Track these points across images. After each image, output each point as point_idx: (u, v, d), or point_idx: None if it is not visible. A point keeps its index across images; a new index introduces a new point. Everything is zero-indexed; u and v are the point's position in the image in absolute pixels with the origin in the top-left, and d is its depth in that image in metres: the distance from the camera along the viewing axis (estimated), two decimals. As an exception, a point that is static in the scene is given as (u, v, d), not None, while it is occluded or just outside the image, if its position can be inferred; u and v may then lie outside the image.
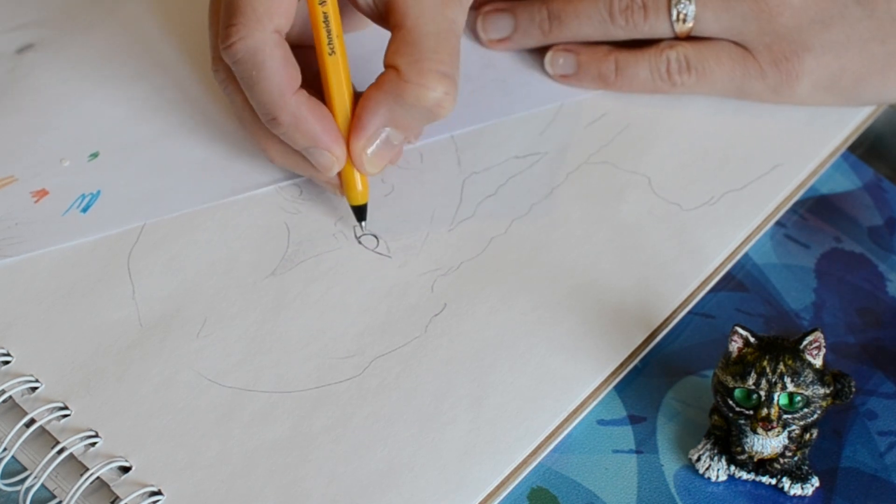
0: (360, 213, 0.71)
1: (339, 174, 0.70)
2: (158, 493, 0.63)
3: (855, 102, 0.75)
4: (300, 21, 0.69)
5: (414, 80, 0.66)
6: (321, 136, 0.68)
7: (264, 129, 0.69)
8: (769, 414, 0.61)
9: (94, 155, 0.74)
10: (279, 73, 0.66)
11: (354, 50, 0.70)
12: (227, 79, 0.69)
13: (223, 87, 0.70)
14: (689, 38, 0.74)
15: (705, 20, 0.74)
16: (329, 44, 0.68)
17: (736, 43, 0.74)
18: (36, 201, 0.72)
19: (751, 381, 0.61)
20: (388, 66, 0.67)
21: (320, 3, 0.67)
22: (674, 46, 0.74)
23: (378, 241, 0.71)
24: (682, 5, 0.73)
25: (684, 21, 0.73)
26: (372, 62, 0.70)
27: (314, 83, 0.69)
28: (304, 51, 0.71)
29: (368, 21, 0.70)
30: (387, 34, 0.68)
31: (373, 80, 0.68)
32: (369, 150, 0.69)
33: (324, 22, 0.68)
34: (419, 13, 0.66)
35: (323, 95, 0.69)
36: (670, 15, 0.73)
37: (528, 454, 0.64)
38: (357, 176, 0.70)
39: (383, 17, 0.68)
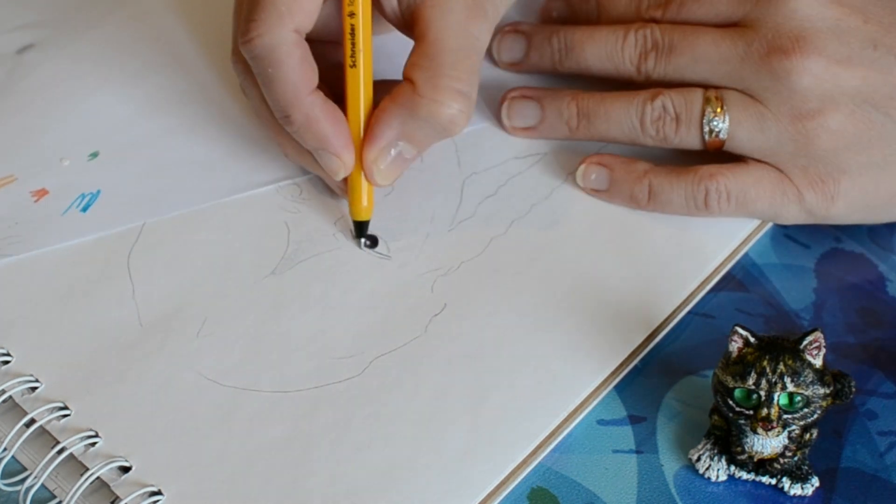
0: (360, 228, 0.71)
1: (347, 186, 0.70)
2: (158, 493, 0.63)
3: (884, 219, 0.72)
4: (324, 15, 0.68)
5: (428, 95, 0.65)
6: (331, 140, 0.68)
7: (280, 125, 0.69)
8: (769, 414, 0.61)
9: (94, 155, 0.74)
10: (295, 73, 0.66)
11: (380, 49, 0.70)
12: (244, 72, 0.69)
13: (241, 79, 0.70)
14: (720, 152, 0.71)
15: (738, 139, 0.70)
16: (352, 56, 0.68)
17: (768, 163, 0.71)
18: (36, 201, 0.72)
19: (751, 381, 0.61)
20: (406, 78, 0.66)
21: (349, 16, 0.67)
22: (714, 176, 0.70)
23: (378, 241, 0.71)
24: (715, 122, 0.70)
25: (716, 137, 0.70)
26: (396, 64, 0.70)
27: (333, 77, 0.69)
28: (328, 46, 0.70)
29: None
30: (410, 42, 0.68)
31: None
32: (381, 163, 0.68)
33: (350, 34, 0.67)
34: (443, 27, 0.66)
35: (341, 93, 0.69)
36: (702, 130, 0.70)
37: (528, 454, 0.64)
38: (364, 192, 0.70)
39: (409, 26, 0.68)
